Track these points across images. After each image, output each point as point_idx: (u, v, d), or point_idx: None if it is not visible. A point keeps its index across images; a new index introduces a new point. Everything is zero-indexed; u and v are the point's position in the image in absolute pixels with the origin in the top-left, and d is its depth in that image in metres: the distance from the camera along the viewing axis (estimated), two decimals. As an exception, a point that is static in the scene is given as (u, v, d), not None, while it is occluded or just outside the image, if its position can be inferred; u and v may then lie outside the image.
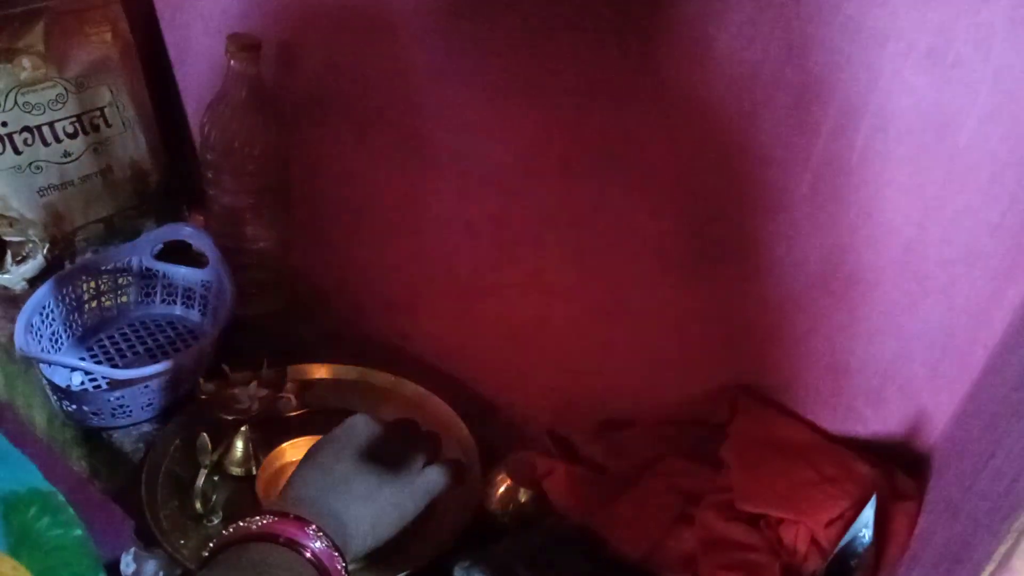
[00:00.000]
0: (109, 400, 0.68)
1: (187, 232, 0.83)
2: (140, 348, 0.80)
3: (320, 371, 0.78)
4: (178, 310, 0.85)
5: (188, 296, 0.84)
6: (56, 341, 0.75)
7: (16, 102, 0.77)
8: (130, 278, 0.82)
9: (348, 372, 0.78)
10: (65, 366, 0.71)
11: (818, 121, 0.53)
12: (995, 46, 0.47)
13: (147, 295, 0.84)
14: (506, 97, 0.68)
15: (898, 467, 0.56)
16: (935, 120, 0.50)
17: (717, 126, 0.58)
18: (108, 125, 0.85)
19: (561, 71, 0.64)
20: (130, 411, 0.70)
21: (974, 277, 0.52)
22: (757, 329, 0.62)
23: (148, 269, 0.83)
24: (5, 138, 0.77)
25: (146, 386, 0.68)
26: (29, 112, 0.78)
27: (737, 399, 0.62)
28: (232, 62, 0.75)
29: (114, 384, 0.68)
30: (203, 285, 0.83)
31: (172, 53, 0.90)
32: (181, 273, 0.84)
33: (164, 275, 0.84)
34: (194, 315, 0.84)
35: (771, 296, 0.60)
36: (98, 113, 0.84)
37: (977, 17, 0.47)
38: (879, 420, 0.59)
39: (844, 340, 0.58)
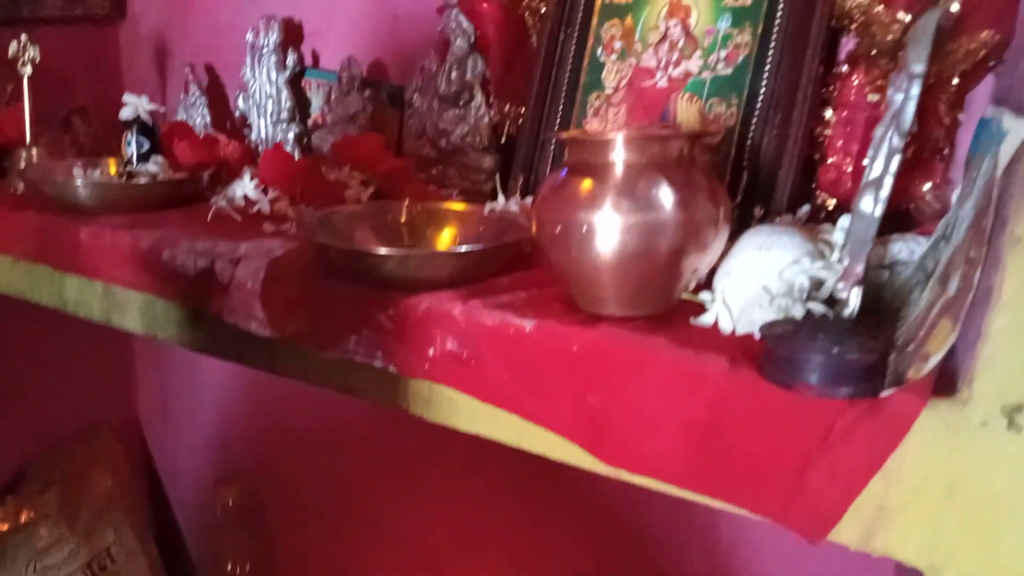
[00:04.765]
0: None
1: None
2: None
3: None
4: None
5: None
6: None
7: (35, 569, 0.89)
8: None
9: None
10: None
11: (691, 519, 0.68)
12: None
13: None
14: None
15: None
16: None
17: (620, 520, 0.73)
18: (113, 561, 0.97)
19: None
20: None
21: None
22: None
23: None
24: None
25: None
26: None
27: None
28: (220, 502, 0.89)
29: None
30: None
31: (166, 484, 1.04)
32: None
33: None
34: None
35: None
36: (105, 553, 0.96)
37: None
38: None
39: None
